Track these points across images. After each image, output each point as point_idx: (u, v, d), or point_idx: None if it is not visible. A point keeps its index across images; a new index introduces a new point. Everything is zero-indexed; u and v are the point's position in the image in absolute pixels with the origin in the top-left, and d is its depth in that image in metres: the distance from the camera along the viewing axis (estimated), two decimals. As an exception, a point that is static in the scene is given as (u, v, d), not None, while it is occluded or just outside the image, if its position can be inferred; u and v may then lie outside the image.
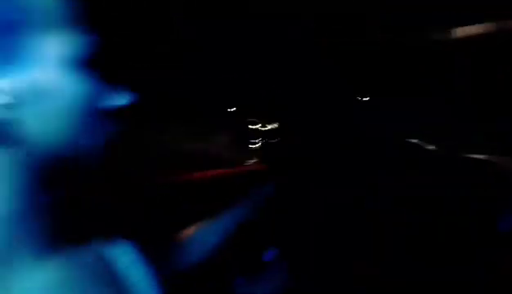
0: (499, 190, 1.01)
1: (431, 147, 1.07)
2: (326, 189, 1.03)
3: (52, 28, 0.35)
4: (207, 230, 0.80)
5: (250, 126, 1.10)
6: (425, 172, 1.08)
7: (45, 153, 0.36)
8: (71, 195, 0.42)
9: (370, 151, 1.10)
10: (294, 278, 0.98)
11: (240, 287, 1.17)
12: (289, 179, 0.96)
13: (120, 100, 0.41)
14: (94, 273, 0.43)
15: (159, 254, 0.58)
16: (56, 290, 0.36)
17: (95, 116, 0.38)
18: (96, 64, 0.38)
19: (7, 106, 0.33)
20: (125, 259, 0.49)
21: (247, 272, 1.18)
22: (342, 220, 1.01)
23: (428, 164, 1.10)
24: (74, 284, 0.39)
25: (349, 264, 0.95)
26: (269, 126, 1.09)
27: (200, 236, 0.79)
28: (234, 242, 1.18)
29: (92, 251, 0.45)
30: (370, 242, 0.98)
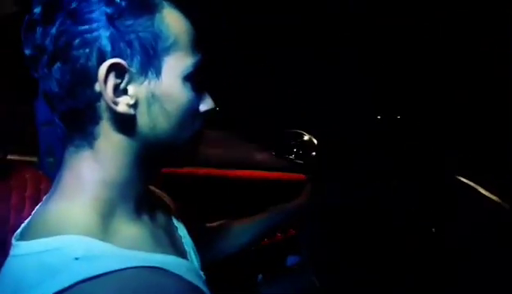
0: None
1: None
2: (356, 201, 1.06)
3: (173, 50, 0.47)
4: (242, 227, 0.86)
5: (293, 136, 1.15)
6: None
7: (152, 142, 0.48)
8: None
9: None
10: (315, 285, 1.02)
11: (260, 285, 1.24)
12: (325, 191, 1.00)
13: (208, 105, 0.53)
14: (167, 233, 0.57)
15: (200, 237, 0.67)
16: (142, 240, 0.49)
17: (191, 117, 0.50)
18: (197, 78, 0.49)
19: (130, 105, 0.45)
20: (183, 231, 0.63)
21: (269, 273, 1.25)
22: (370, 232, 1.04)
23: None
24: (153, 237, 0.51)
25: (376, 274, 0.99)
26: (313, 139, 1.13)
27: (235, 231, 0.86)
28: (261, 243, 1.25)
29: (165, 217, 0.61)
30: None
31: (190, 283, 0.50)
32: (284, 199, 0.92)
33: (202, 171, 1.38)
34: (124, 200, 0.48)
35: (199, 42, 0.51)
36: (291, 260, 1.35)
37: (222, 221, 0.85)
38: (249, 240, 0.86)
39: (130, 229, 0.48)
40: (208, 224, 0.83)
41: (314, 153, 1.09)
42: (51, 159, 0.92)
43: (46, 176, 0.75)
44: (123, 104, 0.44)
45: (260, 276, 1.25)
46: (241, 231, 0.84)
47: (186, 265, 0.53)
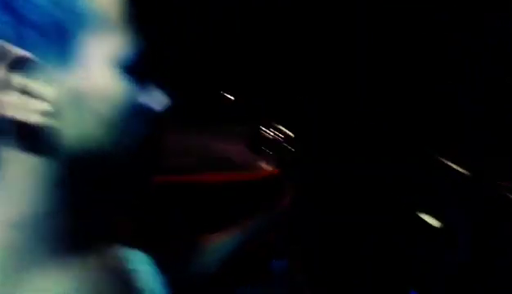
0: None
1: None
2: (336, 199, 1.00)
3: (100, 31, 0.35)
4: (221, 242, 0.77)
5: (267, 131, 1.08)
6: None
7: (80, 158, 0.36)
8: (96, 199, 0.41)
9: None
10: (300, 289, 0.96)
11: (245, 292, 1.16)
12: (303, 189, 0.93)
13: (159, 103, 0.41)
14: (109, 276, 0.43)
15: (170, 261, 0.57)
16: (72, 290, 0.37)
17: (133, 119, 0.38)
18: (137, 67, 0.37)
19: (45, 113, 0.33)
20: (138, 263, 0.50)
21: (254, 280, 1.17)
22: (351, 235, 0.98)
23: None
24: (89, 285, 0.39)
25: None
26: (286, 133, 1.07)
27: (214, 247, 0.76)
28: (243, 251, 1.16)
29: (108, 254, 0.46)
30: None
31: None
32: (257, 200, 0.84)
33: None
34: (42, 241, 0.36)
35: (137, 21, 0.38)
36: (276, 264, 1.27)
37: (193, 239, 0.76)
38: (227, 254, 0.77)
39: (50, 280, 0.36)
40: (177, 244, 0.73)
41: (291, 148, 1.01)
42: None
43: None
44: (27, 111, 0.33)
45: (245, 284, 1.18)
46: (216, 247, 0.75)
47: None
